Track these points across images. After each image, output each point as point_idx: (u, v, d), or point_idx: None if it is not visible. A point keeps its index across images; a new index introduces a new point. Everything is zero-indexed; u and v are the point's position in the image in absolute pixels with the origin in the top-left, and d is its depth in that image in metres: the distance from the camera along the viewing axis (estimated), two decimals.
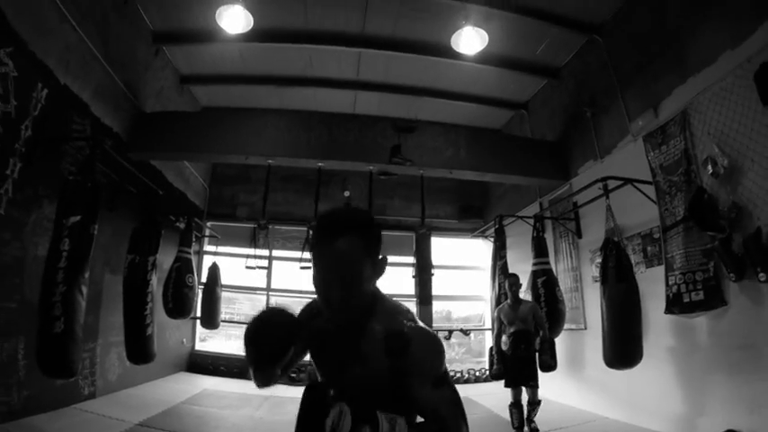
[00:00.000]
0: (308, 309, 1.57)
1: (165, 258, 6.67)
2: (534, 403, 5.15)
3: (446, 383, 1.31)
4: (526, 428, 5.14)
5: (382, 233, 1.40)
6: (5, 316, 4.26)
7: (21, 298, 4.43)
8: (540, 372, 5.26)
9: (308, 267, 1.45)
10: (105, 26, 5.62)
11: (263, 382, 1.46)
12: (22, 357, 4.40)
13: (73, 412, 4.96)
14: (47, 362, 3.77)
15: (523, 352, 5.19)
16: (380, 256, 1.38)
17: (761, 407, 3.82)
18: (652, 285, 5.00)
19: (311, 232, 1.41)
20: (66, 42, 4.97)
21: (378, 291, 1.43)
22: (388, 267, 1.39)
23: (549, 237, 7.06)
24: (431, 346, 1.33)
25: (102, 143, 4.89)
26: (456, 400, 1.29)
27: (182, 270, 6.79)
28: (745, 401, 3.95)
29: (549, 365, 5.29)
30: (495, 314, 5.62)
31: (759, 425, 3.81)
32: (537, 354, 5.27)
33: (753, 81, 3.94)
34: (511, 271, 6.51)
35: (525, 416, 5.17)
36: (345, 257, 1.26)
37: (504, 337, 5.33)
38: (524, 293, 5.95)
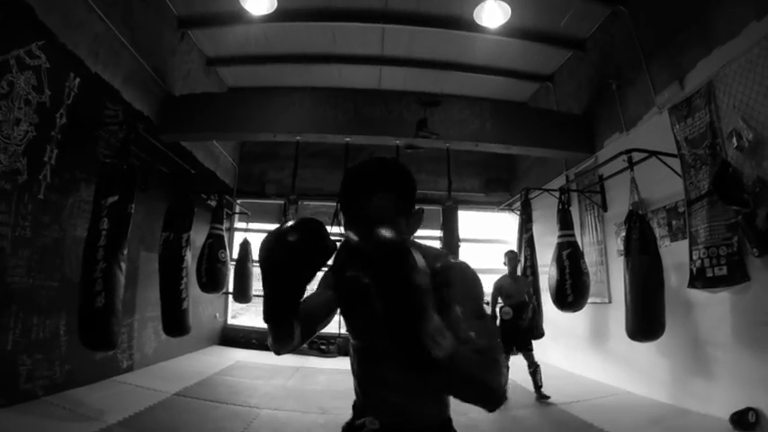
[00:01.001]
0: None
1: (198, 236, 6.92)
2: (535, 365, 5.55)
3: (486, 316, 1.25)
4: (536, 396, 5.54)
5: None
6: (48, 294, 4.57)
7: (61, 276, 4.74)
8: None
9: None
10: (130, 14, 5.78)
11: (282, 334, 1.19)
12: (63, 333, 4.73)
13: (112, 384, 5.29)
14: (89, 335, 4.04)
15: (524, 321, 5.65)
16: (416, 208, 1.30)
17: None
18: (676, 259, 5.00)
19: (342, 182, 1.27)
20: (95, 32, 5.15)
21: (412, 241, 1.32)
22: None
23: (574, 210, 7.03)
24: (472, 275, 1.24)
25: (135, 127, 5.10)
26: (496, 332, 1.26)
27: (214, 246, 7.01)
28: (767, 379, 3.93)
29: (542, 334, 6.10)
30: (497, 285, 5.94)
31: None
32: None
33: None
34: (537, 244, 6.67)
35: (534, 384, 5.56)
36: (384, 214, 1.18)
37: (505, 308, 5.68)
38: (549, 266, 6.06)
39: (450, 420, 1.37)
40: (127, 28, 5.69)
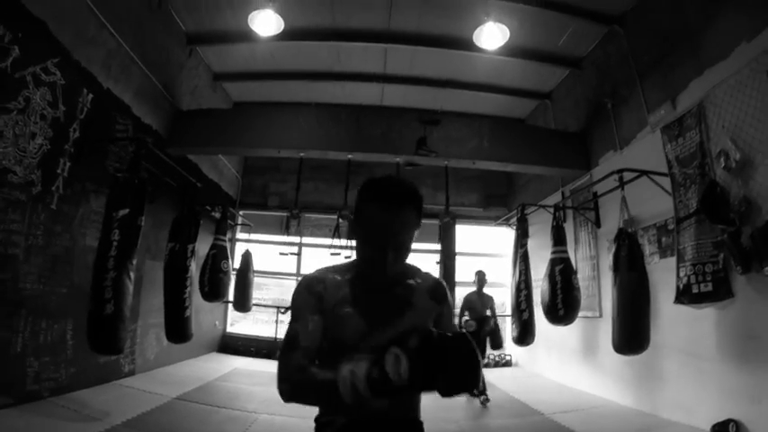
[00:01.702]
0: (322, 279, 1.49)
1: (202, 245, 7.07)
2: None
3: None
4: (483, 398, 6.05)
5: None
6: (56, 300, 4.75)
7: (70, 284, 4.93)
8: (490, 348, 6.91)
9: (353, 227, 1.50)
10: (141, 31, 5.99)
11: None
12: (70, 338, 4.92)
13: (115, 387, 5.45)
14: (98, 340, 4.21)
15: (484, 332, 6.44)
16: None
17: (763, 397, 3.91)
18: (665, 275, 5.08)
19: (363, 194, 1.42)
20: (107, 49, 5.37)
21: (412, 266, 1.59)
22: (413, 254, 1.51)
23: (569, 225, 7.19)
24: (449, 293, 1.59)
25: (145, 143, 5.27)
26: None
27: (217, 256, 7.16)
28: (749, 392, 4.04)
29: (500, 344, 7.07)
30: (466, 299, 6.87)
31: (761, 415, 3.91)
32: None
33: (766, 75, 3.97)
34: (534, 257, 6.83)
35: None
36: (405, 226, 1.36)
37: (470, 321, 6.50)
38: (542, 280, 6.21)
39: (421, 423, 1.53)
40: (137, 44, 5.89)
